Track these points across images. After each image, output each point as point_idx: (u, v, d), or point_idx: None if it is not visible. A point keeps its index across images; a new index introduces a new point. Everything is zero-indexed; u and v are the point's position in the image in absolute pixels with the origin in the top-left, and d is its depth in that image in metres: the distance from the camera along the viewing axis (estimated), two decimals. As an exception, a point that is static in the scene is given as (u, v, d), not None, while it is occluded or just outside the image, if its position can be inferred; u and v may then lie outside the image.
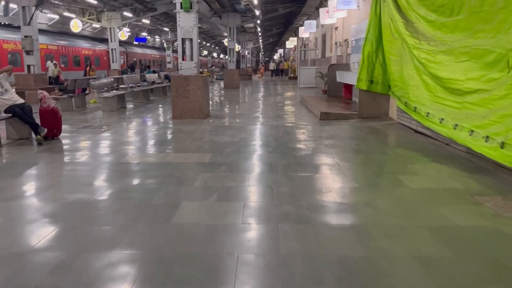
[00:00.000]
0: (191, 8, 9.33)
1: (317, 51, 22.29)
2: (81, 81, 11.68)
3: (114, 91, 12.76)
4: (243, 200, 3.95)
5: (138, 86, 15.36)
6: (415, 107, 7.37)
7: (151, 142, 7.03)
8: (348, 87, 13.29)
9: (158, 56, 45.25)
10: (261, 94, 18.10)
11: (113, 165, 5.36)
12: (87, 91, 12.03)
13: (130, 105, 12.97)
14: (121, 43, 36.51)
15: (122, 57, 36.19)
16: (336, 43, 17.06)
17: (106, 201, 3.96)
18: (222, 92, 19.55)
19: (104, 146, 6.68)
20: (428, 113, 6.82)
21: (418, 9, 7.25)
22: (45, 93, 6.98)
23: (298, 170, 5.08)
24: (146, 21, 24.36)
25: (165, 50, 38.13)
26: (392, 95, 8.87)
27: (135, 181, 4.66)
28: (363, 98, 9.38)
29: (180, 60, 9.58)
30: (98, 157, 5.85)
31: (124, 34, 28.14)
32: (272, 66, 40.00)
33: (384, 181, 4.65)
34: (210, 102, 13.92)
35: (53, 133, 7.01)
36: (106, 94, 11.36)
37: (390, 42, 8.56)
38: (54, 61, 18.00)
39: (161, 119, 10.02)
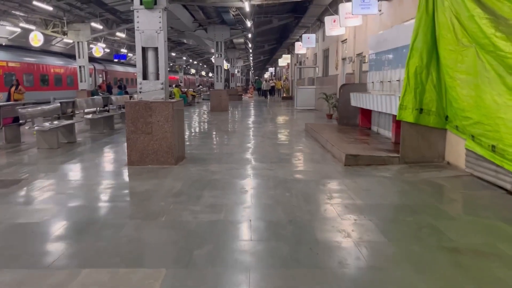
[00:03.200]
0: (155, 4, 6.37)
1: (317, 68, 19.53)
2: (10, 108, 8.56)
3: (62, 120, 9.65)
4: None
5: (102, 111, 12.28)
6: (521, 157, 4.41)
7: (66, 226, 3.90)
8: (366, 113, 10.45)
9: (142, 74, 42.29)
10: (254, 119, 15.13)
11: None
12: (22, 121, 8.89)
13: (84, 137, 9.86)
14: (100, 60, 33.64)
15: (100, 75, 33.27)
16: (344, 59, 14.27)
17: None
18: (208, 116, 16.54)
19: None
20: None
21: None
22: None
23: None
24: (121, 34, 21.41)
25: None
26: (456, 132, 5.93)
27: None
28: (407, 134, 6.42)
29: (139, 79, 6.54)
30: None
31: (98, 50, 25.16)
32: (265, 85, 36.50)
33: None
34: (190, 133, 10.88)
35: None
36: (41, 127, 8.23)
37: (454, 52, 5.66)
38: None
39: (111, 165, 6.90)
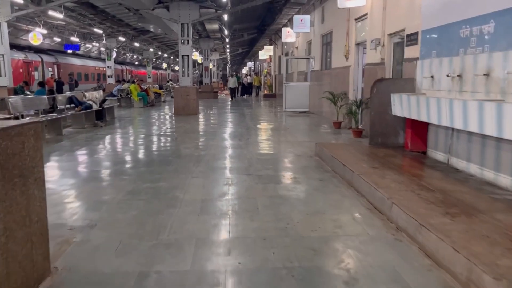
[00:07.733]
0: None
1: (312, 60, 15.21)
2: None
3: None
4: None
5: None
6: None
7: None
8: (418, 128, 6.32)
9: (104, 68, 36.83)
10: (233, 129, 10.69)
11: None
12: None
13: None
14: (51, 51, 28.42)
15: (50, 69, 28.04)
16: (359, 44, 9.97)
17: None
18: (167, 124, 11.98)
19: None
20: None
21: None
22: None
23: None
24: (55, 14, 16.42)
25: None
26: None
27: None
28: None
29: None
30: None
31: (37, 36, 20.08)
32: (232, 82, 24.95)
33: None
34: (116, 165, 6.07)
35: None
36: None
37: None
38: None
39: None
